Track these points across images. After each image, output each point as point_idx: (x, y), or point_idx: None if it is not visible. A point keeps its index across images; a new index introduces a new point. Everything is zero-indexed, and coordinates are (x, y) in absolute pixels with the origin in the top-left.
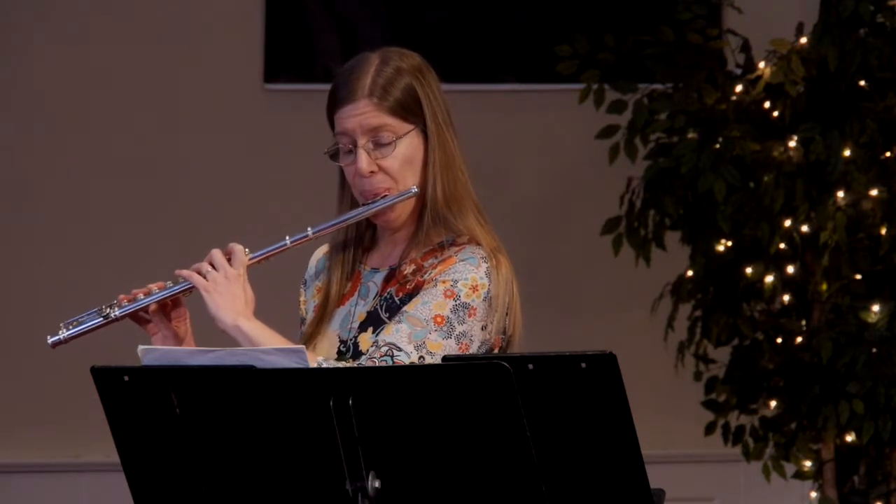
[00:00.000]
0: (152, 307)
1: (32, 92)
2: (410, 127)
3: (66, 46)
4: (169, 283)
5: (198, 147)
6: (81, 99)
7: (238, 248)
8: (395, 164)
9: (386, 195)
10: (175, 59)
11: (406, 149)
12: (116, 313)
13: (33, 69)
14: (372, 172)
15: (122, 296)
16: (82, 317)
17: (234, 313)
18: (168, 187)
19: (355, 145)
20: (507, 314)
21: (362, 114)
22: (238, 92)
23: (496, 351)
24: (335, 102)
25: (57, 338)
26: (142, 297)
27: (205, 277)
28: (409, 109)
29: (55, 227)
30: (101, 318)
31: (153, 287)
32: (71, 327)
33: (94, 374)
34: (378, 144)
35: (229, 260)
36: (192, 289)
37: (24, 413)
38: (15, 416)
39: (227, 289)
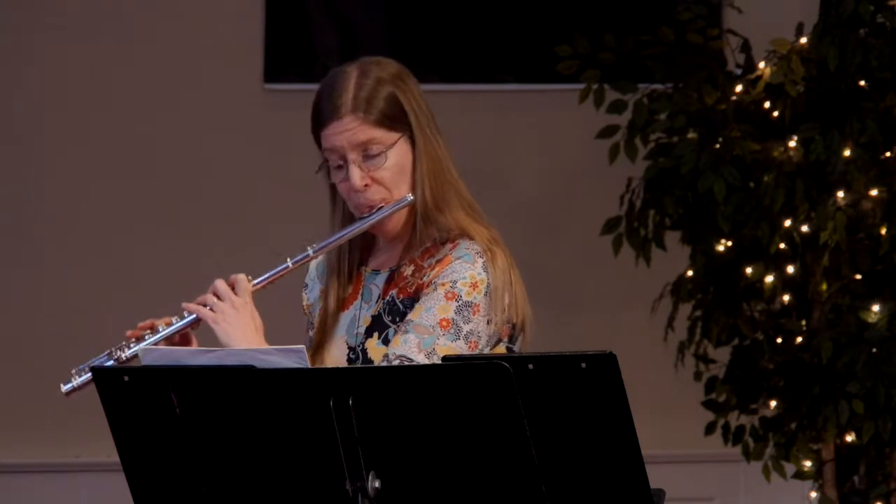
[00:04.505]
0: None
1: (33, 93)
2: (397, 136)
3: (66, 46)
4: (175, 319)
5: (198, 147)
6: (81, 99)
7: (241, 277)
8: (388, 174)
9: (381, 206)
10: (175, 60)
11: (397, 158)
12: (126, 355)
13: (33, 69)
14: (366, 186)
15: (129, 332)
16: (93, 362)
17: (247, 342)
18: (168, 187)
19: (345, 161)
20: (508, 303)
21: (349, 130)
22: (238, 92)
23: (505, 340)
24: (320, 121)
25: (70, 385)
26: (149, 335)
27: (212, 309)
28: (395, 118)
29: (55, 228)
30: (113, 361)
31: (160, 324)
32: (83, 373)
33: (94, 374)
34: (368, 157)
35: (233, 289)
36: (199, 321)
37: (24, 413)
38: (15, 416)
39: (235, 318)
